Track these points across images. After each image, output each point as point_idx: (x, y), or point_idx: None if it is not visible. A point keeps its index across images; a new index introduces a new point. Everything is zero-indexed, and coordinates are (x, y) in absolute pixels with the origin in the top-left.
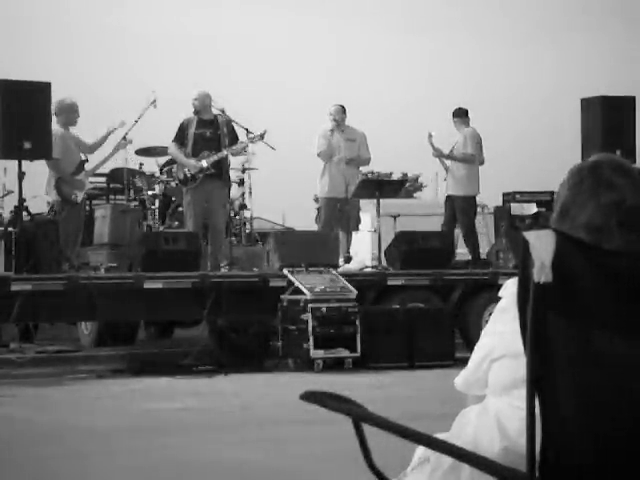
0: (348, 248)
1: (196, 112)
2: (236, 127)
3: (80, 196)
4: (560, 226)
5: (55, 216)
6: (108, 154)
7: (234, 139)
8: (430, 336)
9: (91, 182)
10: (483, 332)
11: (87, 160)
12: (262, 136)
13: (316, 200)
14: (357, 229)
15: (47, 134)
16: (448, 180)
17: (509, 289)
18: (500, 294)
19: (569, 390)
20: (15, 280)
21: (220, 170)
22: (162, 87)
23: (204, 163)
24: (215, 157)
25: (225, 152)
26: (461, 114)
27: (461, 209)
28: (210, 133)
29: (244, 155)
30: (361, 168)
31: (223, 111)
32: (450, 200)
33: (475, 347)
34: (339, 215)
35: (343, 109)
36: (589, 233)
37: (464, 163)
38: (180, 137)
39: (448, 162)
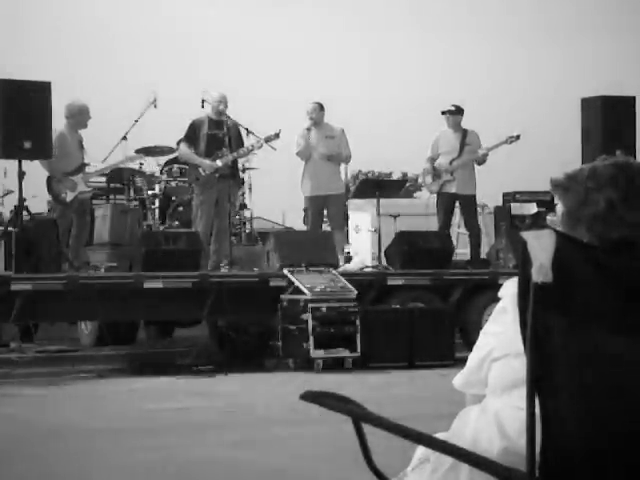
0: (344, 245)
1: (219, 114)
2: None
3: (70, 196)
4: (604, 223)
5: (48, 214)
6: (117, 162)
7: (240, 142)
8: (430, 336)
9: (91, 182)
10: (482, 332)
11: (88, 163)
12: (278, 135)
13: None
14: (346, 225)
15: (47, 134)
16: (458, 179)
17: (508, 289)
18: (500, 294)
19: (569, 390)
20: (15, 280)
21: (233, 170)
22: (162, 87)
23: (219, 163)
24: (230, 157)
25: (241, 152)
26: (462, 111)
27: (471, 208)
28: (222, 134)
29: (253, 154)
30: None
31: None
32: (453, 199)
33: (474, 347)
34: (330, 213)
35: (320, 107)
36: (593, 229)
37: (480, 162)
38: (191, 137)
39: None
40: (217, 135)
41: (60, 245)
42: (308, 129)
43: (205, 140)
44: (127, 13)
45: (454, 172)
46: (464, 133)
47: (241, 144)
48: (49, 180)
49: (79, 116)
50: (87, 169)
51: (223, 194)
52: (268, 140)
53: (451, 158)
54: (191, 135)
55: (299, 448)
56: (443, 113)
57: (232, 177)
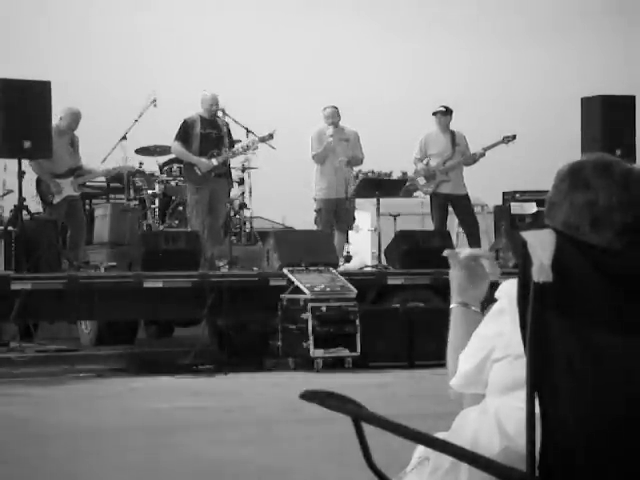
0: (343, 247)
1: (212, 114)
2: (237, 127)
3: (57, 199)
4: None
5: (35, 215)
6: (109, 170)
7: (231, 140)
8: (430, 336)
9: (90, 181)
10: (475, 334)
11: (79, 168)
12: (272, 136)
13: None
14: (352, 228)
15: (47, 133)
16: (453, 179)
17: (506, 290)
18: (496, 295)
19: (569, 390)
20: (15, 279)
21: (227, 169)
22: (162, 87)
23: (214, 162)
24: (226, 156)
25: (236, 151)
26: (451, 112)
27: (468, 206)
28: (215, 134)
29: (247, 154)
30: (358, 167)
31: (224, 111)
32: (447, 199)
33: (467, 348)
34: (339, 215)
35: (337, 110)
36: (567, 232)
37: (469, 163)
38: (185, 136)
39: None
40: (210, 134)
41: (60, 245)
42: (331, 135)
43: (199, 139)
44: (127, 13)
45: (449, 172)
46: (453, 134)
47: (232, 143)
48: (38, 181)
49: (70, 119)
50: (78, 173)
51: (218, 194)
52: (262, 140)
53: (444, 159)
54: (184, 134)
55: (299, 448)
56: (434, 114)
57: (226, 176)
